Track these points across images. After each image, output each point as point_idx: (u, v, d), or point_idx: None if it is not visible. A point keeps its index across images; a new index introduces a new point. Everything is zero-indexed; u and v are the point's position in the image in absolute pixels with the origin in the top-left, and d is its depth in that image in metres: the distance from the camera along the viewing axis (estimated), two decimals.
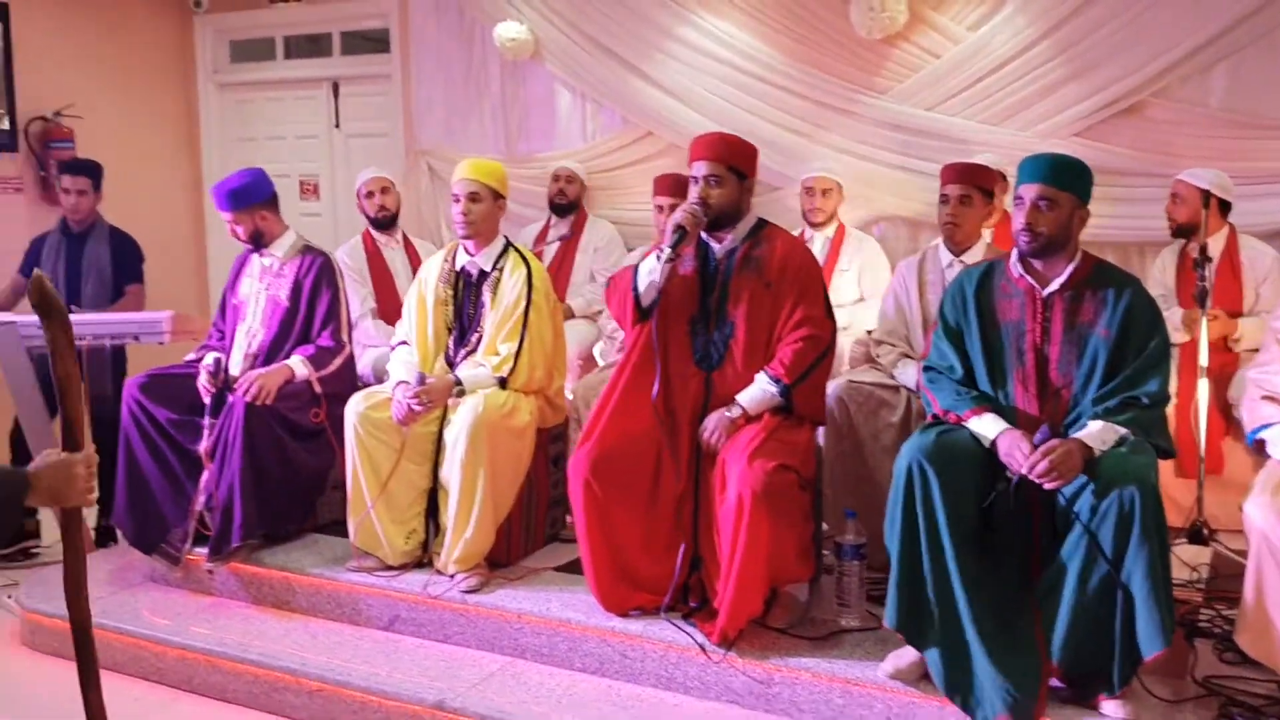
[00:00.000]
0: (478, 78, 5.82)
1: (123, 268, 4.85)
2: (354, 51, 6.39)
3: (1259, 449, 2.68)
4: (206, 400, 3.85)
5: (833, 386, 3.53)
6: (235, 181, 4.00)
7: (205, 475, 3.78)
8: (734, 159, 3.18)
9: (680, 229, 3.09)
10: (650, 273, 3.14)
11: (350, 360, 4.06)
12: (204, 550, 3.77)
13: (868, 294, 4.64)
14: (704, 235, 3.22)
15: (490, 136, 5.80)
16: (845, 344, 4.28)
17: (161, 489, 3.86)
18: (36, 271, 1.97)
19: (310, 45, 6.55)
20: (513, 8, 5.53)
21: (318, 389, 3.88)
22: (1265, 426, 2.63)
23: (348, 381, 4.03)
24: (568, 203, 5.24)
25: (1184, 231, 4.04)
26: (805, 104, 5.05)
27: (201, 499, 3.80)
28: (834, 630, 3.05)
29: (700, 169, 3.17)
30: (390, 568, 3.58)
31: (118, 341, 4.30)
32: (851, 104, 4.97)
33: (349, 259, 4.81)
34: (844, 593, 3.10)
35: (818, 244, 4.69)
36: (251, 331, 4.03)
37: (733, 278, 3.19)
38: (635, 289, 3.17)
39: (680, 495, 3.15)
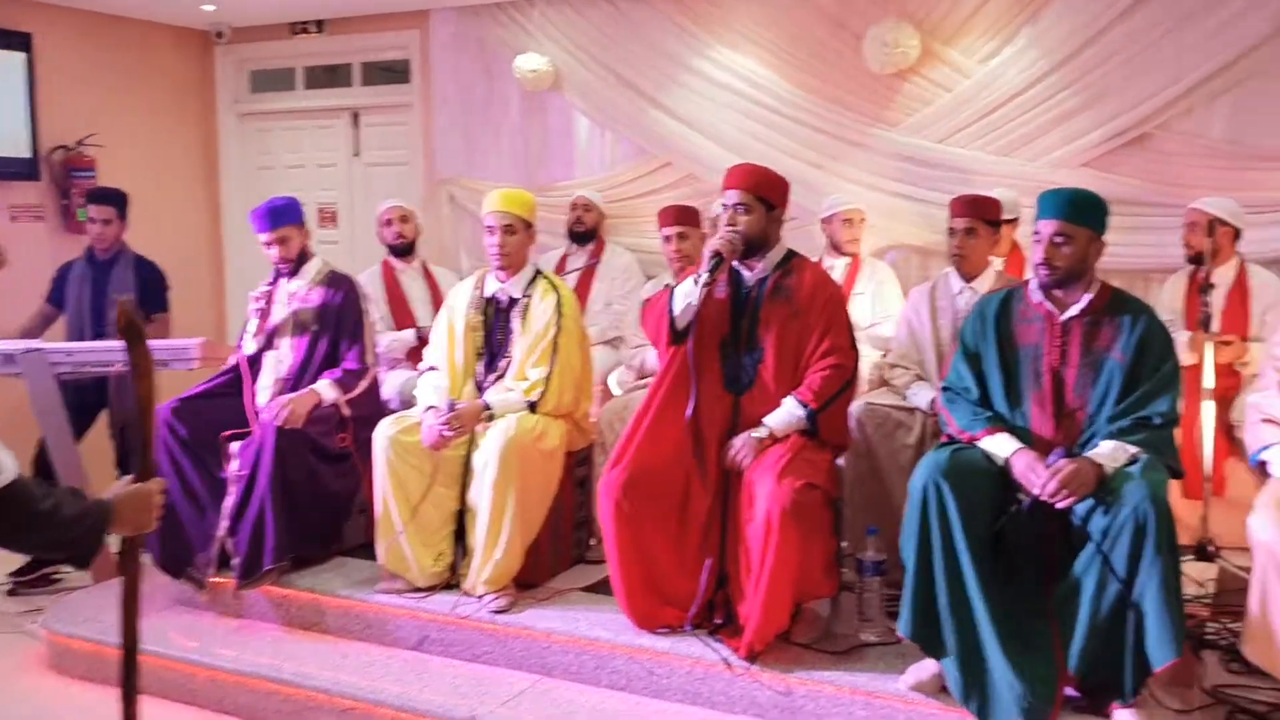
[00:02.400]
0: (498, 108, 5.93)
1: (148, 296, 4.92)
2: (374, 82, 6.51)
3: (1261, 470, 2.77)
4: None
5: (851, 408, 3.62)
6: (276, 201, 4.13)
7: (229, 500, 3.86)
8: (763, 189, 3.30)
9: (717, 255, 3.20)
10: (687, 296, 3.24)
11: (375, 382, 4.16)
12: (233, 573, 3.83)
13: (880, 317, 4.73)
14: (736, 263, 3.33)
15: (510, 165, 5.90)
16: (862, 367, 4.36)
17: (188, 513, 3.93)
18: (122, 299, 2.07)
19: (330, 75, 6.67)
20: (533, 40, 5.66)
21: (346, 412, 3.96)
22: (1266, 448, 2.72)
23: (374, 404, 4.12)
24: (586, 230, 5.32)
25: (1200, 259, 4.12)
26: (820, 136, 5.17)
27: (225, 524, 3.87)
28: (855, 645, 3.14)
29: (730, 197, 3.29)
30: (418, 589, 3.64)
31: None
32: (865, 137, 5.09)
33: (368, 287, 4.84)
34: (865, 608, 3.18)
35: (837, 271, 4.78)
36: (279, 359, 4.10)
37: (763, 305, 3.30)
38: (671, 312, 3.28)
39: (708, 514, 3.24)
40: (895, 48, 4.84)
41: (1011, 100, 4.82)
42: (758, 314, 3.30)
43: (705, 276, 3.18)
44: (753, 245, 3.29)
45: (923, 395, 3.67)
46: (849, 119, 5.10)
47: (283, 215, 4.09)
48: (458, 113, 6.02)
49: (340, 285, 4.13)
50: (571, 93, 5.69)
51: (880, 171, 5.08)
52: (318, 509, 3.93)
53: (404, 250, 5.05)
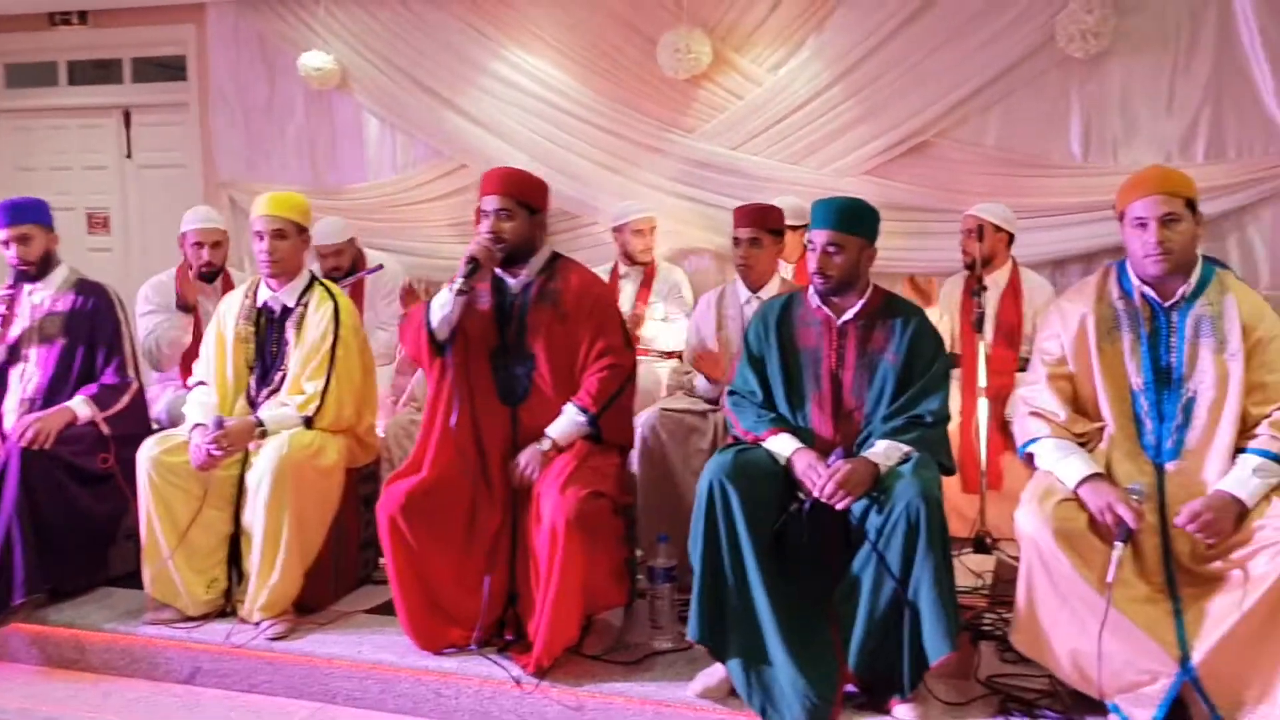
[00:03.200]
0: (281, 107, 5.69)
1: None
2: (147, 79, 6.15)
3: (1029, 462, 2.87)
4: None
5: (646, 415, 3.62)
6: (18, 199, 3.91)
7: None
8: (524, 194, 3.20)
9: (473, 261, 3.09)
10: (443, 306, 3.13)
11: (140, 397, 3.89)
12: None
13: (672, 315, 4.80)
14: (499, 271, 3.24)
15: (295, 167, 5.67)
16: (663, 371, 4.40)
17: None
18: None
19: (99, 71, 6.25)
20: (318, 37, 5.44)
21: (105, 430, 3.69)
22: (1033, 440, 2.83)
23: (139, 421, 3.85)
24: (344, 273, 4.81)
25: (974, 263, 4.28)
26: (617, 141, 5.17)
27: None
28: (647, 653, 3.10)
29: (490, 203, 3.18)
30: (190, 618, 3.41)
31: None
32: (661, 142, 5.12)
33: (156, 294, 4.46)
34: (656, 615, 3.15)
35: (632, 279, 4.80)
36: (26, 375, 3.80)
37: (529, 312, 3.21)
38: (429, 323, 3.16)
39: (496, 530, 3.15)
40: (688, 53, 4.89)
41: (800, 109, 4.94)
42: (525, 321, 3.21)
43: (461, 284, 3.07)
44: (518, 252, 3.20)
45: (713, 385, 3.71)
46: (645, 124, 5.13)
47: (24, 212, 3.84)
48: (238, 112, 5.75)
49: (92, 292, 3.87)
50: (360, 93, 5.51)
51: (676, 177, 5.12)
52: (76, 536, 3.62)
53: (210, 277, 4.48)
